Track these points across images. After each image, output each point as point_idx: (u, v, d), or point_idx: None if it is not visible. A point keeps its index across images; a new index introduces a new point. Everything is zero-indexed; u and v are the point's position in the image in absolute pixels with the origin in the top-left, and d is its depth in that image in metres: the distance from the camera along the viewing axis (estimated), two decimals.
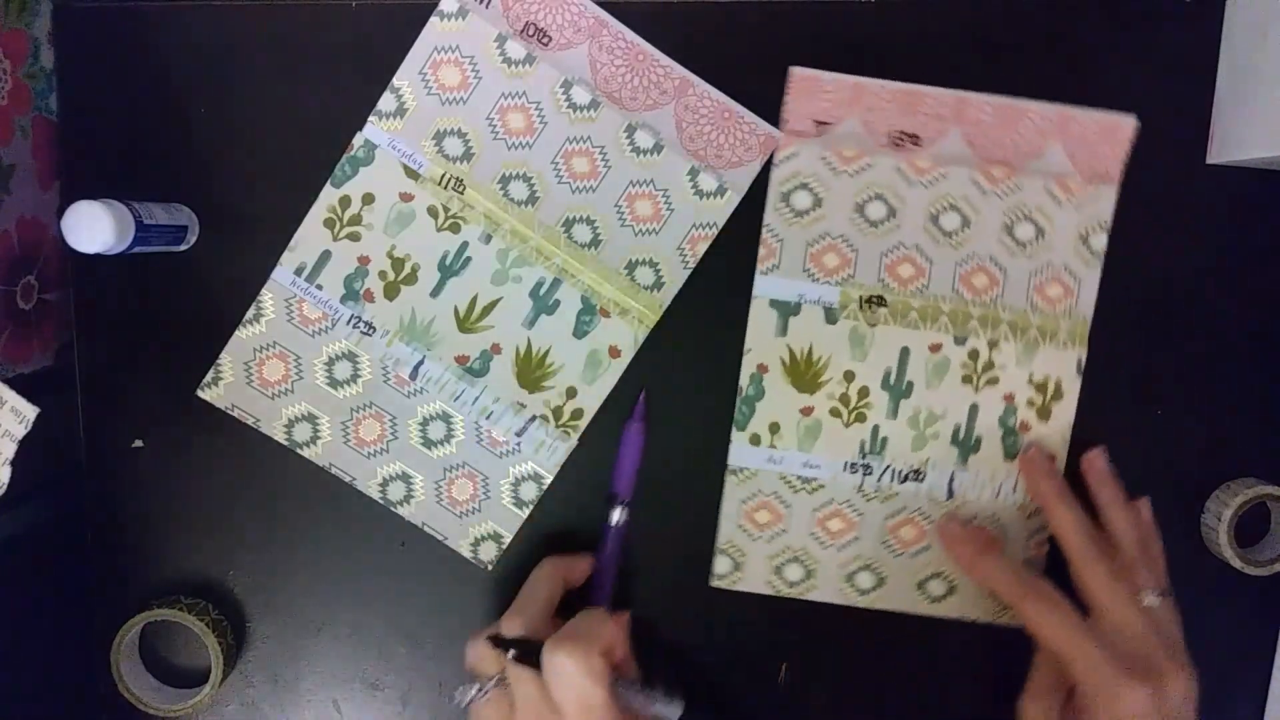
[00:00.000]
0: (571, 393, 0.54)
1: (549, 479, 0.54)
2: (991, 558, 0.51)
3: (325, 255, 0.53)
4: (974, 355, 0.53)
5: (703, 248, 0.53)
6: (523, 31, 0.52)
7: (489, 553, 0.55)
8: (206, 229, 0.54)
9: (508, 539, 0.55)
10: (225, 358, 0.54)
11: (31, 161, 0.54)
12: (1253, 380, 0.54)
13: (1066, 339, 0.53)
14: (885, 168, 0.52)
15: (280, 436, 0.55)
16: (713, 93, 0.52)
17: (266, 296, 0.54)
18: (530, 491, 0.54)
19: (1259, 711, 0.55)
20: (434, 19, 0.52)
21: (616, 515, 0.53)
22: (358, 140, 0.53)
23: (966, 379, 0.53)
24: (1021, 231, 0.53)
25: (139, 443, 0.55)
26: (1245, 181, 0.52)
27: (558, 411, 0.54)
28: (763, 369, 0.53)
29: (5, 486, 0.46)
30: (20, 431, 0.46)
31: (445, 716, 0.56)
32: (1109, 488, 0.52)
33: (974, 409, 0.54)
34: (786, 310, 0.53)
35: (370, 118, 0.53)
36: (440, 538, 0.55)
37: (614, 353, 0.54)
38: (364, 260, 0.53)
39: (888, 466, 0.54)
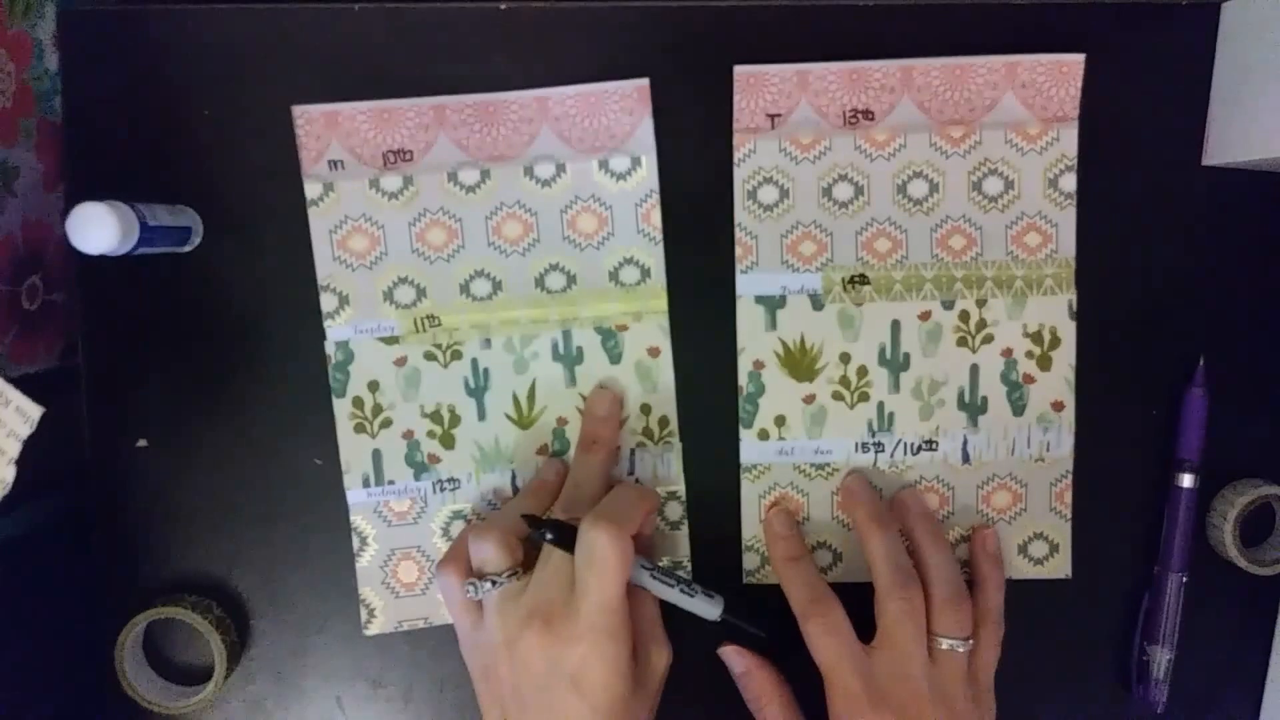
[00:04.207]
0: (646, 409, 0.55)
1: (683, 489, 0.55)
2: (795, 565, 0.52)
3: (377, 455, 0.55)
4: (964, 317, 0.53)
5: (657, 216, 0.53)
6: (385, 164, 0.53)
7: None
8: (211, 230, 0.54)
9: (684, 558, 0.56)
10: (365, 590, 0.55)
11: (36, 164, 0.53)
12: (1254, 380, 0.54)
13: (1053, 285, 0.53)
14: (844, 148, 0.52)
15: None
16: (568, 91, 0.52)
17: (358, 520, 0.55)
18: (676, 511, 0.55)
19: (1255, 709, 0.56)
20: (310, 210, 0.53)
21: (1188, 480, 0.53)
22: (329, 349, 0.54)
23: (961, 341, 0.53)
24: (990, 186, 0.52)
25: (143, 442, 0.55)
26: (1241, 183, 0.52)
27: (648, 431, 0.55)
28: (759, 365, 0.54)
29: (10, 485, 0.46)
30: (25, 431, 0.46)
31: (447, 714, 0.57)
32: (924, 523, 0.52)
33: (974, 370, 0.53)
34: (772, 304, 0.54)
35: (324, 324, 0.54)
36: None
37: (654, 353, 0.54)
38: (408, 434, 0.55)
39: (899, 440, 0.54)
